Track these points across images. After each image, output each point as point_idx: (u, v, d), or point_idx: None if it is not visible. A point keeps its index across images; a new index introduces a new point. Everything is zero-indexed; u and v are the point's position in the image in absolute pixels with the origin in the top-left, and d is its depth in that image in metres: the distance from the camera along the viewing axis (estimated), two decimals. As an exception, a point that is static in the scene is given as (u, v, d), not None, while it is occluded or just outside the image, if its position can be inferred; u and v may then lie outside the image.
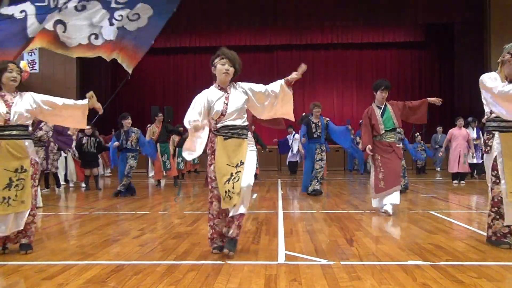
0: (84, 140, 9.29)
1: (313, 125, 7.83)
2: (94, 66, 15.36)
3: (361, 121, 11.39)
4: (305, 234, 4.48)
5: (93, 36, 6.41)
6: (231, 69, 3.65)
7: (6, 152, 3.70)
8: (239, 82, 3.77)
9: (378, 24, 16.31)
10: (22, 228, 3.80)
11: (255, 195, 8.02)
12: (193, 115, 3.57)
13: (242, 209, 3.55)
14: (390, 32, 16.97)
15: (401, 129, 6.79)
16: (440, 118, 14.53)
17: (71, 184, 10.91)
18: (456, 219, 5.27)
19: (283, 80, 3.72)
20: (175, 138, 11.36)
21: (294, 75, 3.67)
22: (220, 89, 3.68)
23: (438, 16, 15.18)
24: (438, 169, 13.77)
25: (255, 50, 17.25)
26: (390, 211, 5.55)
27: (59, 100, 3.96)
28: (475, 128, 10.60)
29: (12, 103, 3.78)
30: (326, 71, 17.16)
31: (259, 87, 3.75)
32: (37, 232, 4.85)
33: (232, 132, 3.60)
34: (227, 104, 3.60)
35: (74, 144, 9.19)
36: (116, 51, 6.43)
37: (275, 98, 3.72)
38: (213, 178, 3.62)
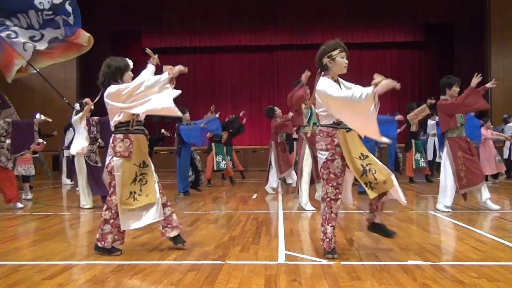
0: None
1: None
2: (94, 66, 15.28)
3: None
4: (305, 234, 4.48)
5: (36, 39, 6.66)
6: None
7: (136, 147, 3.72)
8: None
9: (378, 24, 16.29)
10: (163, 218, 3.81)
11: (255, 195, 8.02)
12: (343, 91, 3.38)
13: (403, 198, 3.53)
14: (390, 32, 16.96)
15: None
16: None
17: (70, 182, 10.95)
18: (456, 219, 5.26)
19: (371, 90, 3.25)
20: (224, 134, 11.34)
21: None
22: (335, 82, 3.53)
23: (438, 16, 15.17)
24: None
25: (255, 50, 17.23)
26: (493, 206, 5.77)
27: None
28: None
29: None
30: (326, 71, 17.14)
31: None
32: (37, 232, 4.86)
33: None
34: None
35: None
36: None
37: None
38: (338, 174, 3.47)
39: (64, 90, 15.56)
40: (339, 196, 3.48)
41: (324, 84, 3.43)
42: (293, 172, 8.43)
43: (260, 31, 16.77)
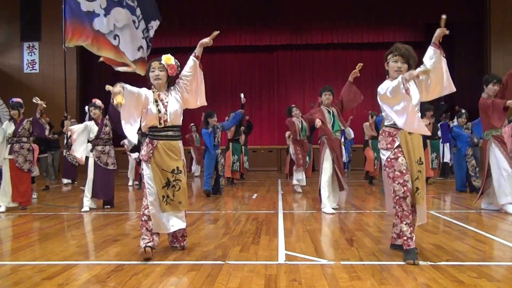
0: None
1: None
2: (94, 66, 15.33)
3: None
4: (305, 234, 4.48)
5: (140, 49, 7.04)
6: (404, 66, 3.53)
7: (163, 154, 3.67)
8: None
9: (378, 24, 16.29)
10: (184, 227, 3.79)
11: (255, 195, 8.02)
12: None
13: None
14: (390, 32, 16.95)
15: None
16: (440, 118, 14.52)
17: (65, 181, 10.97)
18: (456, 219, 5.27)
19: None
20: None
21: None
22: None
23: (438, 16, 15.08)
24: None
25: (255, 50, 17.23)
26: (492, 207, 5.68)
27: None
28: None
29: (167, 102, 3.71)
30: (326, 71, 17.14)
31: None
32: (37, 232, 4.86)
33: None
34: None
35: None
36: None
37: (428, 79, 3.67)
38: (403, 171, 3.40)
39: (64, 90, 15.61)
40: (408, 193, 3.38)
41: (380, 86, 3.53)
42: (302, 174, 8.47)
43: (260, 31, 16.77)
